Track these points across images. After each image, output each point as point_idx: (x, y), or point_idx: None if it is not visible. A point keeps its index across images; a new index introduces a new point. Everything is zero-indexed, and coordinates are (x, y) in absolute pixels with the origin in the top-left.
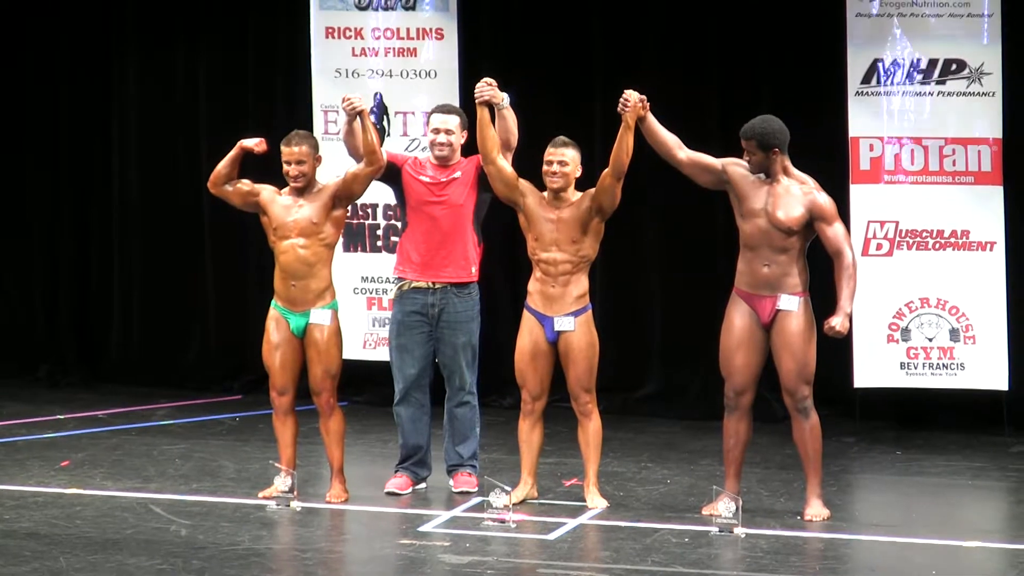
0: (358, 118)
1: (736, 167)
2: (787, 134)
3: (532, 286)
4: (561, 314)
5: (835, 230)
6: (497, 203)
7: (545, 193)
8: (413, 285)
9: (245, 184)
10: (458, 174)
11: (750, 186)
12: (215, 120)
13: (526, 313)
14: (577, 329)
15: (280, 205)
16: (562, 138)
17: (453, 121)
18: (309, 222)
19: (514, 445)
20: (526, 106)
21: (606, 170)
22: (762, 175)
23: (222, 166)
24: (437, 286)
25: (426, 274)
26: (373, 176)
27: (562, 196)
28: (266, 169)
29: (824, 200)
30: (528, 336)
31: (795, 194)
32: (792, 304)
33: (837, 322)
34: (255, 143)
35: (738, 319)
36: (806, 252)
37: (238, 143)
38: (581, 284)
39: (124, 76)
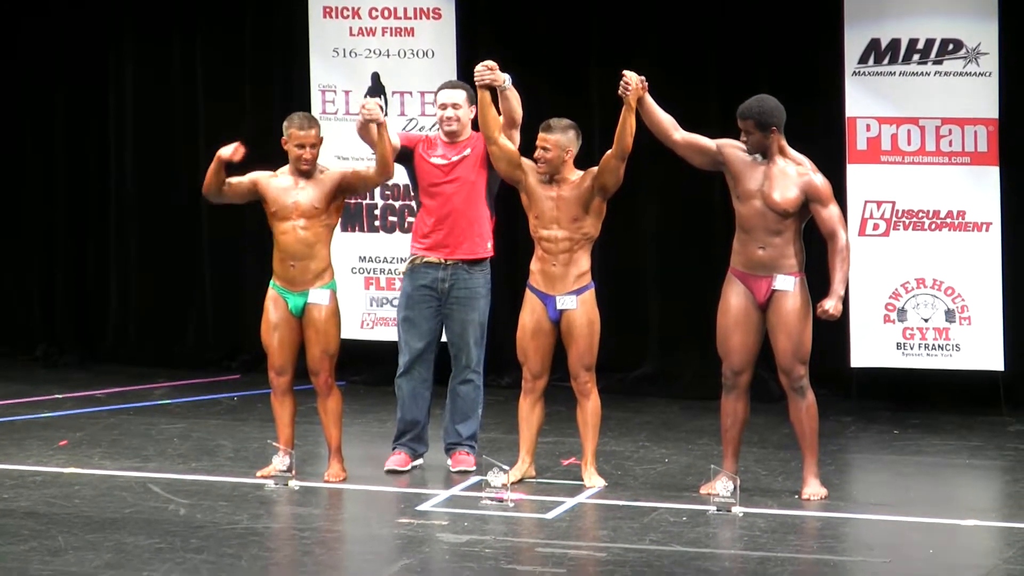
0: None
1: (732, 148)
2: (784, 113)
3: (534, 265)
4: (563, 293)
5: (830, 212)
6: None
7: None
8: (425, 259)
9: (239, 182)
10: (468, 151)
11: (746, 167)
12: (212, 99)
13: (528, 292)
14: (579, 307)
15: (278, 187)
16: (549, 121)
17: (460, 96)
18: (312, 206)
19: (512, 424)
20: (523, 85)
21: (609, 151)
22: (758, 156)
23: (209, 178)
24: (449, 262)
25: (441, 251)
26: (379, 184)
27: (558, 176)
28: (261, 148)
29: (820, 181)
30: (530, 315)
31: (791, 175)
32: (787, 284)
33: (830, 305)
34: (231, 151)
35: (734, 299)
36: (802, 232)
37: (216, 155)
38: (582, 262)
39: (121, 54)
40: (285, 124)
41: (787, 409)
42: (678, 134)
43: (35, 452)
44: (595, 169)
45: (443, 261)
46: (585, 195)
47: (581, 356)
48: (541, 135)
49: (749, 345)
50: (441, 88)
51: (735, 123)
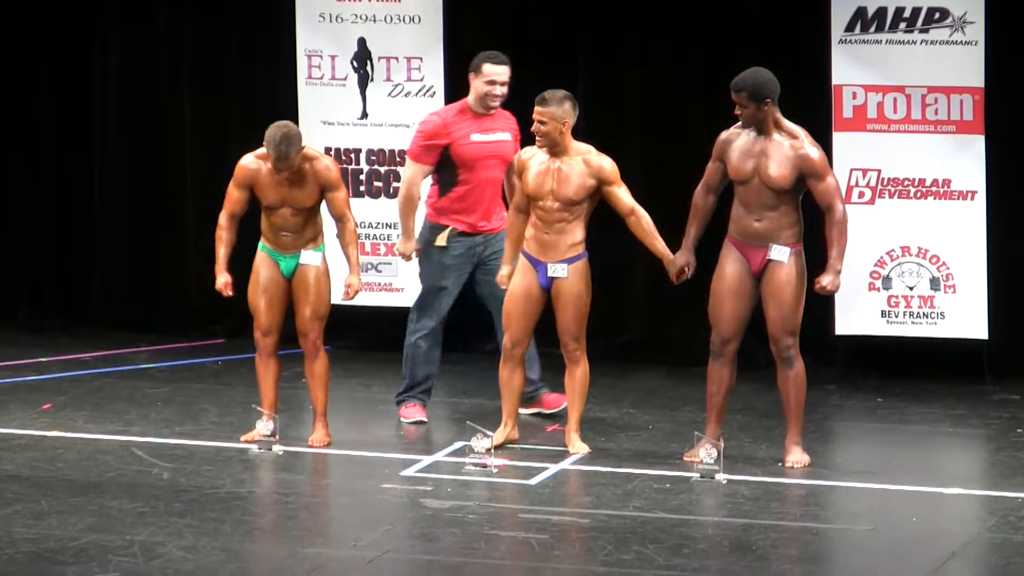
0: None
1: (723, 144)
2: (778, 85)
3: (528, 231)
4: (555, 261)
5: (827, 185)
6: None
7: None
8: (460, 230)
9: (242, 202)
10: (508, 136)
11: (741, 152)
12: (198, 63)
13: (522, 258)
14: (570, 276)
15: (266, 183)
16: (544, 94)
17: (507, 73)
18: (302, 203)
19: (495, 391)
20: (507, 53)
21: (621, 204)
22: (752, 132)
23: (227, 249)
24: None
25: (481, 228)
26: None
27: (558, 149)
28: (252, 121)
29: (815, 155)
30: (522, 280)
31: (785, 150)
32: (782, 255)
33: (828, 281)
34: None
35: (729, 267)
36: (800, 203)
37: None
38: (576, 232)
39: (108, 9)
40: (266, 141)
41: (772, 377)
42: (712, 196)
43: (19, 415)
44: (602, 173)
45: (479, 233)
46: (588, 188)
47: (568, 326)
48: (537, 108)
49: (740, 314)
50: (485, 62)
51: (720, 90)
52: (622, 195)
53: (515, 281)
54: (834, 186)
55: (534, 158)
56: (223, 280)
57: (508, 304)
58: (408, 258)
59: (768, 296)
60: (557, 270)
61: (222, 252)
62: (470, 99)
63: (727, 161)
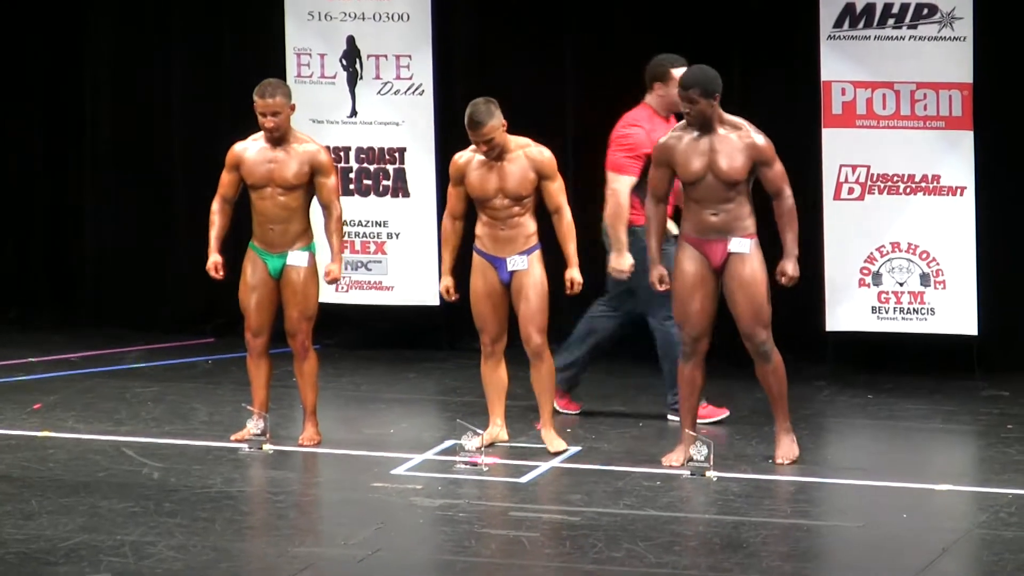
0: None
1: (664, 149)
2: (722, 81)
3: (480, 229)
4: (513, 254)
5: (775, 171)
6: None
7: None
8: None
9: (233, 185)
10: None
11: (687, 152)
12: (188, 61)
13: (476, 256)
14: (529, 267)
15: (252, 159)
16: (472, 117)
17: None
18: (287, 180)
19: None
20: (498, 50)
21: (554, 200)
22: (694, 132)
23: (221, 232)
24: None
25: None
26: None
27: (502, 153)
28: (243, 118)
29: (763, 142)
30: (482, 279)
31: (734, 142)
32: (743, 247)
33: (790, 267)
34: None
35: (689, 264)
36: (751, 193)
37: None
38: (530, 224)
39: (99, 11)
40: (255, 92)
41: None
42: (662, 205)
43: (8, 415)
44: (542, 166)
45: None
46: (531, 183)
47: (532, 317)
48: (477, 132)
49: (707, 309)
50: (673, 67)
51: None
52: (555, 190)
53: (475, 282)
54: (781, 172)
55: (472, 161)
56: (213, 260)
57: (476, 306)
58: (626, 275)
59: (735, 290)
60: (517, 263)
61: (213, 233)
62: (653, 104)
63: (673, 165)
